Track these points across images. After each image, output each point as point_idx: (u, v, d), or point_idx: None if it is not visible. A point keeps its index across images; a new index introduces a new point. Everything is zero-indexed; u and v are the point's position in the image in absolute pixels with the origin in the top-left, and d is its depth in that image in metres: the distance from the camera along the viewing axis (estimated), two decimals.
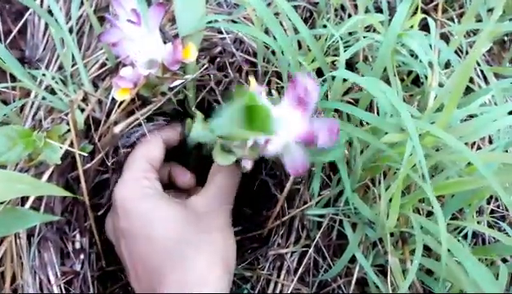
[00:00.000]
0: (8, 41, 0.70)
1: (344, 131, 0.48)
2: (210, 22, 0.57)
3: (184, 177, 0.57)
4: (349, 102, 0.58)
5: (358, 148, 0.50)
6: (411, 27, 0.58)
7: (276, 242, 0.64)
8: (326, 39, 0.60)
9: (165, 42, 0.56)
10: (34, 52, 0.72)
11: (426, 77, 0.57)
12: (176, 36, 0.60)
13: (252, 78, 0.52)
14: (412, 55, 0.59)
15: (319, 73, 0.61)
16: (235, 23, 0.62)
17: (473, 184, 0.43)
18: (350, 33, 0.61)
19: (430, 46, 0.56)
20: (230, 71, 0.63)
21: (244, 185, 0.69)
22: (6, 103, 0.61)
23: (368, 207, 0.52)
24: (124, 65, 0.58)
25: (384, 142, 0.46)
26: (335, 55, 0.60)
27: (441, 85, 0.59)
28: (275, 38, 0.53)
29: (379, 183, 0.54)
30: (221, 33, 0.64)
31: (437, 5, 0.67)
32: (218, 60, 0.64)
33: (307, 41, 0.54)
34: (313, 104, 0.41)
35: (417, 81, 0.65)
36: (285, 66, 0.58)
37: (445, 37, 0.67)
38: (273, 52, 0.61)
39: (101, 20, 0.69)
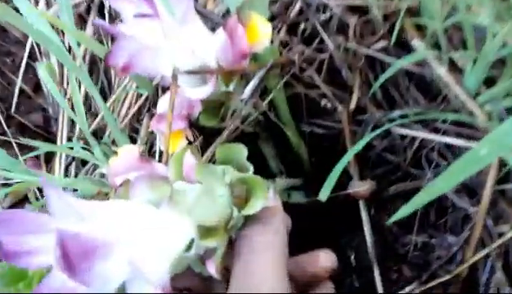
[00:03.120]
0: (26, 106, 0.52)
1: None
2: None
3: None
4: None
5: None
6: None
7: (492, 285, 0.38)
8: None
9: (213, 30, 0.32)
10: (57, 109, 0.53)
11: None
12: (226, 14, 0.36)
13: None
14: None
15: None
16: None
17: None
18: None
19: None
20: (326, 38, 0.37)
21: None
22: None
23: None
24: (163, 90, 0.36)
25: None
26: None
27: None
28: None
29: None
30: None
31: None
32: (303, 25, 0.38)
33: None
34: None
35: None
36: None
37: None
38: None
39: None
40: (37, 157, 0.47)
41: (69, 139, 0.43)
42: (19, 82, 0.51)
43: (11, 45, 0.56)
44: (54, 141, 0.51)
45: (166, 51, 0.29)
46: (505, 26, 0.29)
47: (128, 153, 0.30)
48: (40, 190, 0.43)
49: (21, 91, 0.55)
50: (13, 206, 0.42)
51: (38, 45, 0.51)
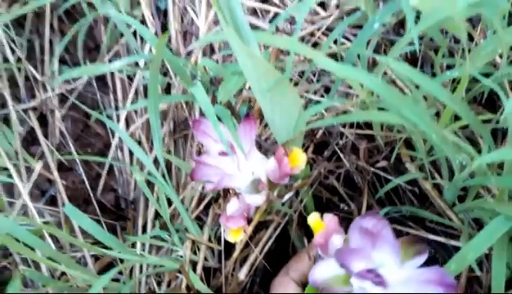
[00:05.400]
0: (100, 187, 0.66)
1: None
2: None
3: None
4: None
5: None
6: None
7: None
8: (457, 81, 0.46)
9: (262, 151, 0.46)
10: (127, 189, 0.67)
11: None
12: (275, 143, 0.50)
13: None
14: None
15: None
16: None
17: None
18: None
19: None
20: (342, 157, 0.51)
21: None
22: (113, 264, 0.55)
23: None
24: (226, 192, 0.50)
25: None
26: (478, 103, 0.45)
27: None
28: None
29: None
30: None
31: None
32: (324, 143, 0.52)
33: (441, 97, 0.40)
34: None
35: None
36: (417, 136, 0.45)
37: None
38: None
39: (185, 136, 0.62)
40: (115, 232, 0.61)
41: (145, 222, 0.57)
42: (105, 170, 0.65)
43: (92, 137, 0.71)
44: (125, 217, 0.65)
45: (235, 172, 0.43)
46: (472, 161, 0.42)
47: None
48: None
49: (97, 174, 0.69)
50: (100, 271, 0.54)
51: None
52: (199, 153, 0.58)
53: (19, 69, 0.62)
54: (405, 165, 0.49)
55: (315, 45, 0.59)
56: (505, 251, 0.37)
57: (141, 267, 0.51)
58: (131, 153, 0.66)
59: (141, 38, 0.68)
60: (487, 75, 0.45)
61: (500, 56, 0.50)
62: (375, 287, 0.30)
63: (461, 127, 0.46)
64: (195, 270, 0.47)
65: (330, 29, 0.59)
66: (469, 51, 0.51)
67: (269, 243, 0.48)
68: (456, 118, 0.46)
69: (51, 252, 0.46)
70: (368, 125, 0.52)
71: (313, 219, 0.39)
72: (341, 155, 0.51)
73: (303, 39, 0.59)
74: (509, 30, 0.44)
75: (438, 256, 0.52)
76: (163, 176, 0.50)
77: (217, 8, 0.38)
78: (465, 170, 0.40)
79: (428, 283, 0.29)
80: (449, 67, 0.52)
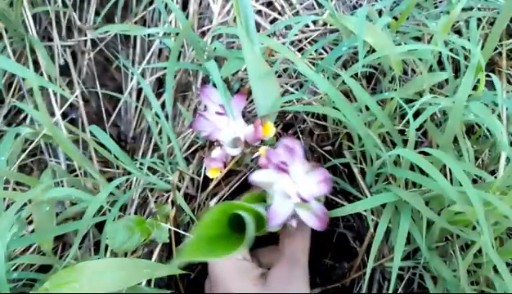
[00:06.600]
0: (111, 120, 0.81)
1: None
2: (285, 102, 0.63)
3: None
4: None
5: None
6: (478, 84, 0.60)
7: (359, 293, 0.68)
8: (392, 99, 0.64)
9: (245, 119, 0.63)
10: (128, 127, 0.83)
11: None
12: (255, 115, 0.67)
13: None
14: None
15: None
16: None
17: None
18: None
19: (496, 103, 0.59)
20: (301, 137, 0.69)
21: (323, 238, 0.75)
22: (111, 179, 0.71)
23: (447, 266, 0.55)
24: (211, 143, 0.67)
25: (452, 211, 0.50)
26: (403, 117, 0.64)
27: None
28: None
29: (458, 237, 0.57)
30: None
31: (500, 53, 0.69)
32: (290, 124, 0.70)
33: (373, 110, 0.58)
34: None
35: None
36: (354, 132, 0.63)
37: None
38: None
39: (183, 96, 0.78)
40: None
41: (144, 153, 0.73)
42: (117, 108, 0.80)
43: (107, 80, 0.86)
44: (123, 147, 0.81)
45: (224, 128, 0.60)
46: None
47: None
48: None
49: (106, 110, 0.84)
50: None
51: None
52: (195, 110, 0.75)
53: (64, 14, 0.76)
54: (343, 152, 0.68)
55: (300, 49, 0.76)
56: (389, 216, 0.56)
57: (136, 184, 0.68)
58: (137, 100, 0.82)
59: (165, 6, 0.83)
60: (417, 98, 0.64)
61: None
62: (283, 175, 0.50)
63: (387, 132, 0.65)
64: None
65: (315, 40, 0.76)
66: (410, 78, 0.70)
67: (235, 185, 0.65)
68: None
69: (78, 155, 0.62)
70: (324, 117, 0.70)
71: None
72: (300, 136, 0.69)
73: (292, 43, 0.76)
74: (431, 75, 0.63)
75: (354, 223, 0.72)
76: (166, 119, 0.66)
77: (237, 12, 0.55)
78: (378, 161, 0.59)
79: (319, 180, 0.50)
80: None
